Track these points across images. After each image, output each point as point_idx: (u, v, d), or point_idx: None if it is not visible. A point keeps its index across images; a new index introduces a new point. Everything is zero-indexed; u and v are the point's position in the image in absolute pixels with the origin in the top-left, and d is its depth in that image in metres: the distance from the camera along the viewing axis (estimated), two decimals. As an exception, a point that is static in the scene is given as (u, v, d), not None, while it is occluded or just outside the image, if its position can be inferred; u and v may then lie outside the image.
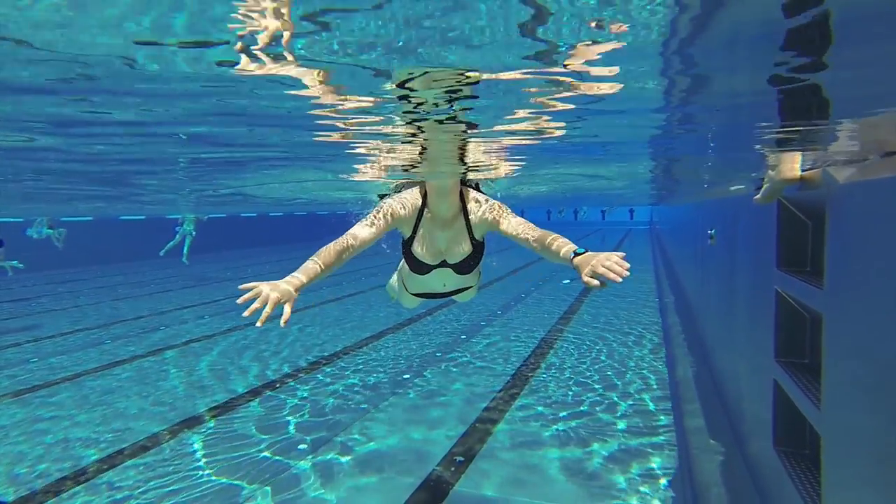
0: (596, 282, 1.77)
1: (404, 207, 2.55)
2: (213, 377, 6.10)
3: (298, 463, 3.96)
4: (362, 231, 2.43)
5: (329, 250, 2.24)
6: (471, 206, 2.59)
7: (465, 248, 2.63)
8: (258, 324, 1.77)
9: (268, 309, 1.79)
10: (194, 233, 15.91)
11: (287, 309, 1.86)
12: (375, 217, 2.49)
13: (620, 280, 1.74)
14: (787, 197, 2.82)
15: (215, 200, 8.34)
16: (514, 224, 2.46)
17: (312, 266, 2.12)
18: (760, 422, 3.09)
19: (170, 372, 6.38)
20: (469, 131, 2.36)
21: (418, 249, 2.62)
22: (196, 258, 17.26)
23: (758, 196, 2.89)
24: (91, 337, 8.22)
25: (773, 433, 2.84)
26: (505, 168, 3.88)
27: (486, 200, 2.61)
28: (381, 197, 2.78)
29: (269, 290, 1.84)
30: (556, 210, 35.34)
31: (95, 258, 18.03)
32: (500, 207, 2.56)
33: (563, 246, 2.09)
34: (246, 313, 1.78)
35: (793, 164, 2.78)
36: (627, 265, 1.76)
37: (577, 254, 1.96)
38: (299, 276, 2.03)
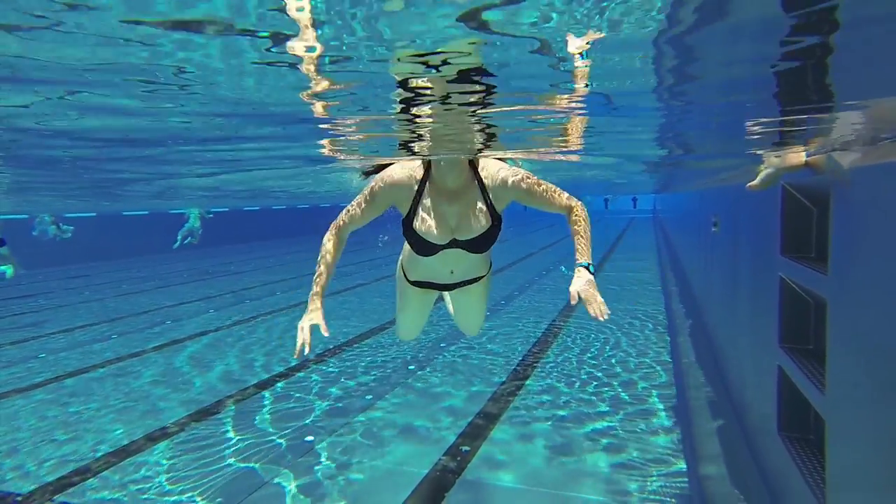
0: (576, 300, 2.05)
1: (395, 182, 2.30)
2: (220, 370, 6.15)
3: (305, 453, 4.00)
4: (348, 218, 2.36)
5: (327, 250, 2.37)
6: (485, 172, 2.31)
7: (482, 221, 2.30)
8: (308, 353, 2.20)
9: (308, 344, 2.20)
10: (200, 230, 15.99)
11: (321, 325, 2.24)
12: (359, 203, 2.33)
13: (594, 318, 2.02)
14: (791, 183, 2.82)
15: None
16: (552, 192, 2.29)
17: (319, 278, 2.36)
18: (765, 407, 3.10)
19: (174, 365, 6.43)
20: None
21: (422, 227, 2.30)
22: (198, 252, 17.33)
23: (754, 182, 2.83)
24: (95, 332, 8.28)
25: (778, 418, 2.86)
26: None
27: (505, 166, 2.34)
28: (368, 174, 2.48)
29: (301, 330, 2.21)
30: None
31: (98, 254, 18.08)
32: (526, 174, 2.32)
33: (579, 248, 2.26)
34: (296, 356, 2.20)
35: (797, 150, 2.78)
36: (607, 317, 2.02)
37: (584, 265, 2.18)
38: (315, 290, 2.34)
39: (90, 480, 3.71)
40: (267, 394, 5.28)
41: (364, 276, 12.76)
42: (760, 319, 3.30)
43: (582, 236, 2.27)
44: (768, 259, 3.08)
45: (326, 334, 2.20)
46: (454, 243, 2.32)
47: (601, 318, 1.98)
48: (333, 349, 6.73)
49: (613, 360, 5.89)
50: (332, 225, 2.39)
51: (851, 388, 1.95)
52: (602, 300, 2.02)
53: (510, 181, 2.27)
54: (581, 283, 2.09)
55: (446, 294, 3.09)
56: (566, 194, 2.32)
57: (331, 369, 5.96)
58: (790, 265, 2.74)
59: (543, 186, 2.29)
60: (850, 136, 2.24)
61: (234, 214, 20.90)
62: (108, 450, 4.17)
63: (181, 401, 5.16)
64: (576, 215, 2.30)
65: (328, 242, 2.37)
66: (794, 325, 2.82)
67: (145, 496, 3.47)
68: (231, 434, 4.36)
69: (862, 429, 1.84)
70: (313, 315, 2.26)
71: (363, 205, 2.34)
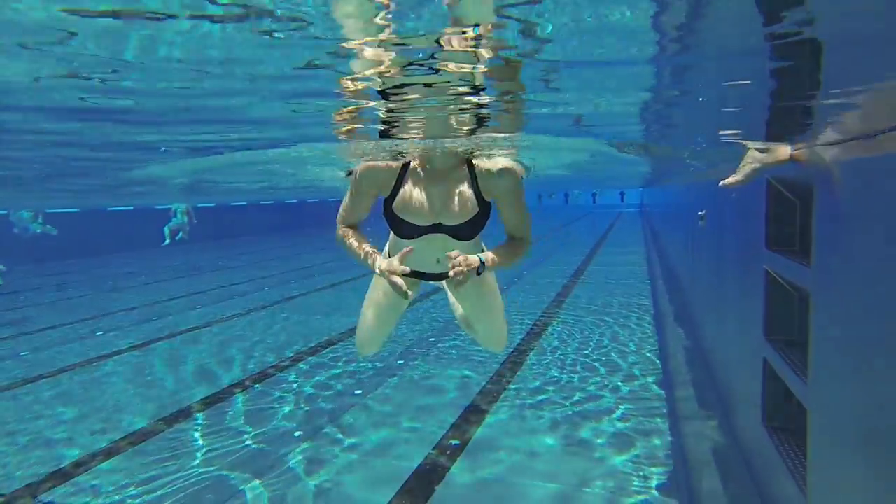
0: (453, 256, 2.10)
1: (375, 166, 2.28)
2: (200, 369, 6.10)
3: (292, 452, 3.98)
4: (342, 214, 2.42)
5: (345, 238, 2.42)
6: (477, 159, 2.24)
7: (469, 206, 2.22)
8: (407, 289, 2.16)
9: (403, 270, 2.15)
10: (188, 226, 15.84)
11: (398, 258, 2.18)
12: (347, 195, 2.37)
13: (450, 271, 2.09)
14: (775, 177, 2.85)
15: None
16: (526, 212, 2.32)
17: (359, 253, 2.38)
18: (750, 399, 3.14)
19: (156, 364, 6.38)
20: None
21: (404, 207, 2.24)
22: (185, 248, 17.15)
23: (734, 178, 2.76)
24: (79, 330, 8.17)
25: (763, 410, 2.90)
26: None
27: (504, 159, 2.28)
28: (350, 174, 2.48)
29: (393, 276, 2.13)
30: (547, 193, 35.34)
31: (83, 250, 17.85)
32: (520, 182, 2.27)
33: (497, 253, 2.32)
34: (406, 292, 2.15)
35: (783, 145, 2.80)
36: (458, 282, 2.11)
37: (482, 260, 2.21)
38: (368, 256, 2.32)
39: (59, 488, 3.57)
40: (245, 394, 5.25)
41: (350, 272, 12.73)
42: (746, 312, 3.34)
43: (507, 254, 2.32)
44: (754, 252, 3.12)
45: (409, 249, 2.20)
46: (438, 228, 2.27)
47: (451, 276, 2.07)
48: (316, 346, 6.70)
49: (600, 354, 5.93)
50: (345, 233, 2.47)
51: (833, 377, 1.98)
52: (462, 279, 2.09)
53: (503, 170, 2.23)
54: (470, 259, 2.14)
55: (456, 306, 3.03)
56: (530, 227, 2.40)
57: (315, 367, 5.93)
58: (775, 258, 2.77)
59: (524, 201, 2.32)
60: (839, 132, 2.25)
61: (220, 210, 20.70)
62: (79, 454, 4.05)
63: (158, 402, 5.07)
64: (522, 245, 2.38)
65: (341, 236, 2.44)
66: (779, 318, 2.86)
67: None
68: (210, 436, 4.32)
69: (842, 417, 1.87)
70: (382, 263, 2.22)
71: (350, 196, 2.37)
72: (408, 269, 2.13)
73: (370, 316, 2.66)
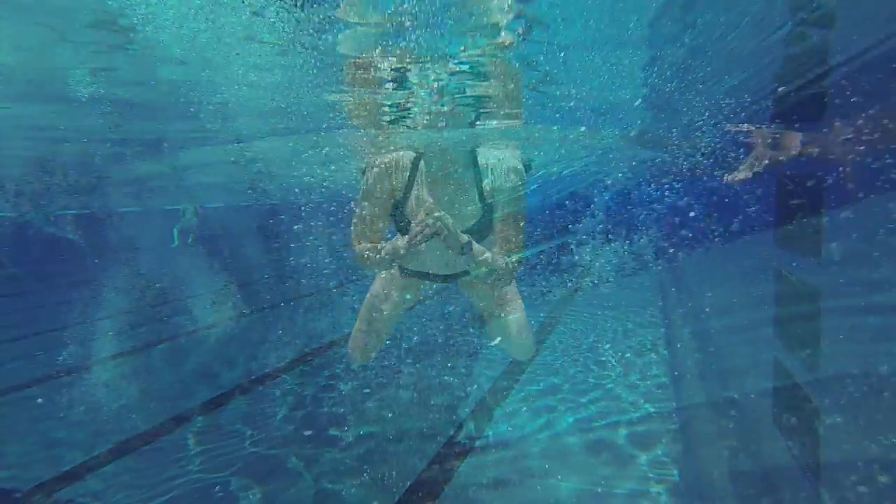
0: (437, 214, 2.04)
1: (386, 163, 2.20)
2: (200, 372, 6.11)
3: (295, 454, 3.98)
4: (358, 223, 2.29)
5: (365, 250, 2.30)
6: (483, 159, 2.18)
7: (474, 208, 2.19)
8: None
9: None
10: (196, 227, 15.95)
11: (408, 238, 2.09)
12: (360, 201, 2.25)
13: (432, 222, 2.01)
14: (785, 172, 2.82)
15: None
16: (522, 223, 2.25)
17: (377, 252, 2.25)
18: (761, 396, 3.12)
19: (158, 367, 6.40)
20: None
21: (413, 209, 2.20)
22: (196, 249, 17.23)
23: (740, 174, 2.74)
24: (83, 331, 8.22)
25: (773, 406, 2.87)
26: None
27: (514, 160, 2.22)
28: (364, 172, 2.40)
29: (419, 230, 2.04)
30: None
31: (93, 252, 17.96)
32: (523, 182, 2.22)
33: (488, 254, 2.24)
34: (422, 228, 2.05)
35: (794, 140, 2.77)
36: (429, 225, 2.03)
37: (469, 241, 2.14)
38: (384, 251, 2.21)
39: (60, 492, 3.53)
40: (247, 396, 5.25)
41: (351, 272, 12.73)
42: (757, 309, 3.31)
43: (495, 258, 2.24)
44: (763, 248, 3.09)
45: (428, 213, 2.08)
46: None
47: (429, 224, 2.00)
48: (317, 350, 6.71)
49: (607, 351, 5.89)
50: (352, 245, 2.34)
51: (843, 376, 1.96)
52: (437, 226, 2.02)
53: (507, 168, 2.18)
54: (457, 231, 2.06)
55: (477, 309, 2.98)
56: (522, 239, 2.34)
57: (317, 368, 5.93)
58: (784, 253, 2.74)
59: (524, 206, 2.26)
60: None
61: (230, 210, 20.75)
62: (80, 458, 4.00)
63: (161, 405, 5.05)
64: (511, 255, 2.31)
65: (359, 253, 2.28)
66: (789, 314, 2.83)
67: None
68: (211, 439, 4.31)
69: (852, 412, 1.85)
70: (404, 238, 2.12)
71: (364, 200, 2.27)
72: (432, 204, 2.05)
73: (365, 325, 2.63)
